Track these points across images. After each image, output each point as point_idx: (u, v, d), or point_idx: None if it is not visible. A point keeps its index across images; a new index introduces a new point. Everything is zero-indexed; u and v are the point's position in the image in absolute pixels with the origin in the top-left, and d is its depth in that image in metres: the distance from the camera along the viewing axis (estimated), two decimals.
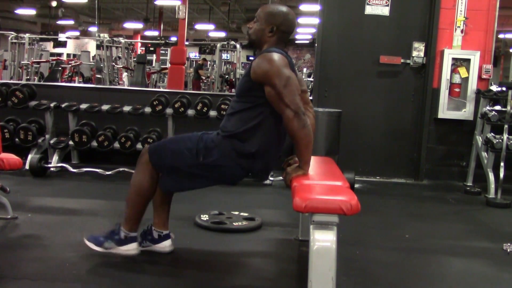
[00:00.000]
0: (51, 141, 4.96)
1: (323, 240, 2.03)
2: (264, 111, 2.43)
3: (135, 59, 11.94)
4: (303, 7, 14.51)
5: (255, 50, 2.60)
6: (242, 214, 3.54)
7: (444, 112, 5.11)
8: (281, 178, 2.64)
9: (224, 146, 2.45)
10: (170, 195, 2.72)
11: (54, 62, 12.18)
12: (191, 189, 2.64)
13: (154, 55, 17.02)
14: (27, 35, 11.52)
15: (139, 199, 2.57)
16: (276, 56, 2.39)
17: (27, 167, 4.58)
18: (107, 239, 2.62)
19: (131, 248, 2.61)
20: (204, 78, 12.64)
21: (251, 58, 19.67)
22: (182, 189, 2.66)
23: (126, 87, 9.95)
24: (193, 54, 20.19)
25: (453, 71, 5.10)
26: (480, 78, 5.08)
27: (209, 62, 14.40)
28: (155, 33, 19.07)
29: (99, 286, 2.38)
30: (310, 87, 11.95)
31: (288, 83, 2.33)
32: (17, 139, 4.82)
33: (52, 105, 4.99)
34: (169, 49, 11.45)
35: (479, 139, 4.89)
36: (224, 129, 2.49)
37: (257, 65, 2.39)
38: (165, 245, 2.74)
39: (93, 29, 19.91)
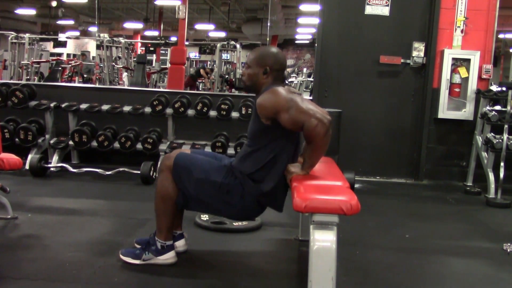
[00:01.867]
0: (51, 141, 4.96)
1: (323, 240, 2.03)
2: (276, 147, 2.47)
3: (135, 59, 11.93)
4: (303, 7, 14.51)
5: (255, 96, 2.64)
6: None
7: (444, 112, 5.11)
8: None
9: (247, 186, 2.49)
10: None
11: (54, 62, 12.17)
12: (202, 212, 2.69)
13: (154, 55, 17.02)
14: (27, 35, 11.50)
15: (167, 207, 2.57)
16: (278, 88, 2.44)
17: (27, 167, 4.59)
18: (145, 251, 2.61)
19: (170, 257, 2.62)
20: (206, 79, 12.60)
21: None
22: (193, 210, 2.69)
23: (126, 87, 9.95)
24: (193, 54, 20.19)
25: (453, 71, 5.10)
26: (480, 78, 5.08)
27: (209, 62, 14.39)
28: (155, 33, 19.06)
29: (99, 286, 2.38)
30: (310, 87, 11.95)
31: (302, 100, 2.38)
32: (17, 139, 4.83)
33: (52, 105, 5.00)
34: (169, 49, 11.44)
35: (479, 139, 4.89)
36: (240, 167, 2.52)
37: (263, 101, 2.42)
38: (180, 245, 2.76)
39: (93, 29, 19.91)
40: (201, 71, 12.54)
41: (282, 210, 2.62)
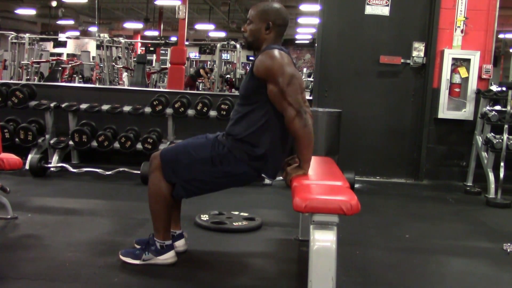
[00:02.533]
0: (51, 141, 4.96)
1: (323, 240, 2.03)
2: (269, 110, 2.43)
3: (135, 59, 11.94)
4: (303, 7, 14.51)
5: (255, 52, 2.60)
6: (242, 214, 3.54)
7: (444, 112, 5.11)
8: (281, 178, 2.63)
9: (236, 150, 2.46)
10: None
11: (54, 62, 12.18)
12: (206, 193, 2.65)
13: (154, 55, 17.03)
14: (27, 35, 11.51)
15: (160, 207, 2.55)
16: (278, 53, 2.40)
17: (27, 167, 4.58)
18: (145, 252, 2.60)
19: (170, 257, 2.60)
20: (206, 79, 12.60)
21: (251, 58, 19.68)
22: (197, 195, 2.65)
23: (126, 87, 9.95)
24: (193, 54, 20.19)
25: (453, 71, 5.10)
26: (480, 78, 5.08)
27: (209, 62, 14.39)
28: (155, 33, 19.07)
29: (99, 286, 2.38)
30: (310, 87, 11.96)
31: (291, 81, 2.34)
32: (17, 139, 4.82)
33: (52, 105, 5.00)
34: (169, 49, 11.45)
35: (479, 139, 4.89)
36: (232, 132, 2.49)
37: (260, 62, 2.39)
38: (179, 245, 2.75)
39: (93, 29, 19.91)
40: (201, 71, 12.54)
41: (275, 177, 2.58)
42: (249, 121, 2.45)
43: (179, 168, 2.50)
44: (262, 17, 2.50)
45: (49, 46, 17.26)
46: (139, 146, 4.89)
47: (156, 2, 16.47)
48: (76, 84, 10.33)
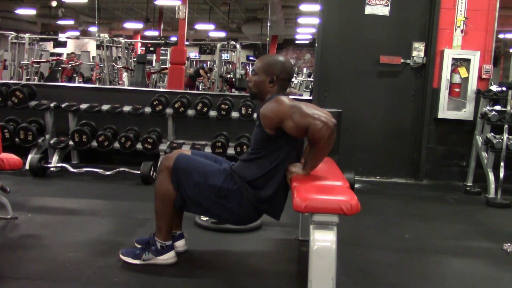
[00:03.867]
0: (51, 141, 4.96)
1: (323, 240, 2.03)
2: (280, 156, 2.48)
3: (135, 59, 11.93)
4: (303, 7, 14.51)
5: (258, 102, 2.66)
6: None
7: (444, 112, 5.11)
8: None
9: (245, 191, 2.49)
10: None
11: (54, 62, 12.17)
12: (200, 215, 2.69)
13: (154, 55, 17.01)
14: (27, 35, 11.51)
15: (166, 207, 2.56)
16: (282, 97, 2.45)
17: (27, 167, 4.59)
18: (145, 251, 2.61)
19: (170, 257, 2.62)
20: (205, 79, 12.61)
21: (251, 58, 19.70)
22: (191, 212, 2.71)
23: (126, 87, 9.95)
24: (193, 54, 20.19)
25: (453, 71, 5.10)
26: (480, 78, 5.08)
27: (209, 62, 14.40)
28: (155, 33, 19.05)
29: (99, 286, 2.38)
30: (310, 87, 11.96)
31: (306, 105, 2.37)
32: (17, 139, 4.83)
33: (52, 105, 5.00)
34: (169, 49, 11.44)
35: (479, 139, 4.89)
36: (242, 174, 2.52)
37: (267, 110, 2.43)
38: (179, 245, 2.76)
39: (93, 29, 19.90)
40: (201, 71, 12.55)
41: (279, 218, 2.62)
42: (258, 166, 2.50)
43: (187, 182, 2.52)
44: (267, 70, 2.55)
45: (49, 46, 17.25)
46: (139, 146, 4.89)
47: (156, 2, 16.46)
48: (76, 84, 10.33)
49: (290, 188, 2.54)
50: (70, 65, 11.88)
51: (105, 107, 5.07)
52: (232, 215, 2.56)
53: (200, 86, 12.89)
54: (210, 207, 2.55)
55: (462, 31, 5.09)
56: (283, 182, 2.51)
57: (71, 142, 4.91)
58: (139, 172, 4.49)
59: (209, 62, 14.35)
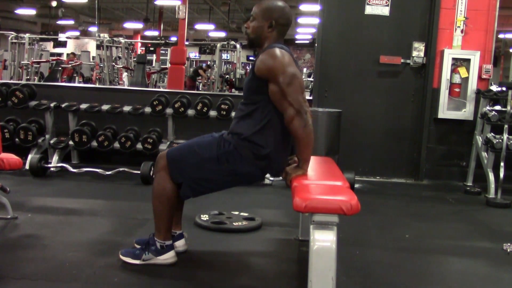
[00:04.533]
0: (51, 141, 4.96)
1: (323, 240, 2.03)
2: (272, 109, 2.44)
3: (135, 59, 11.94)
4: (303, 7, 14.52)
5: (256, 50, 2.60)
6: (242, 214, 3.54)
7: (444, 112, 5.11)
8: (281, 178, 2.63)
9: (241, 149, 2.46)
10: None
11: (54, 62, 12.18)
12: (212, 192, 2.65)
13: (154, 55, 17.03)
14: (27, 35, 11.52)
15: (164, 207, 2.55)
16: (280, 52, 2.39)
17: (27, 167, 4.58)
18: (145, 251, 2.60)
19: (170, 257, 2.60)
20: (205, 78, 12.63)
21: (251, 58, 19.69)
22: (204, 194, 2.65)
23: (126, 87, 9.95)
24: (193, 54, 20.20)
25: (453, 71, 5.10)
26: (480, 78, 5.08)
27: (209, 62, 14.41)
28: (155, 33, 19.07)
29: (99, 286, 2.38)
30: (310, 87, 11.96)
31: (292, 81, 2.34)
32: (17, 139, 4.82)
33: (52, 105, 5.00)
34: (169, 49, 11.45)
35: (479, 139, 4.89)
36: (236, 131, 2.49)
37: (261, 62, 2.39)
38: (179, 245, 2.75)
39: (93, 29, 19.91)
40: (199, 71, 12.57)
41: (278, 175, 2.58)
42: (252, 120, 2.46)
43: (186, 168, 2.50)
44: (265, 15, 2.50)
45: (49, 46, 17.26)
46: (139, 146, 4.89)
47: (156, 2, 16.48)
48: (76, 84, 10.33)
49: (288, 146, 2.54)
50: (70, 65, 11.89)
51: (105, 107, 5.07)
52: (239, 176, 2.52)
53: (200, 86, 12.90)
54: (216, 178, 2.51)
55: (462, 31, 5.09)
56: (280, 139, 2.47)
57: (71, 142, 4.91)
58: (139, 172, 4.49)
59: (209, 62, 14.36)
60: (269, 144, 2.45)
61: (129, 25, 21.29)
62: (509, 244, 3.17)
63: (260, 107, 2.45)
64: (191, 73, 13.02)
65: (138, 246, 2.70)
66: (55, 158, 4.92)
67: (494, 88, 4.90)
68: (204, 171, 2.49)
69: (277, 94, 2.35)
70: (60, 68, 11.26)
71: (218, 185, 2.60)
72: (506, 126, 4.49)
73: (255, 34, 2.52)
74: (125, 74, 11.97)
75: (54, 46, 17.45)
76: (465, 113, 5.09)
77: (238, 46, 10.99)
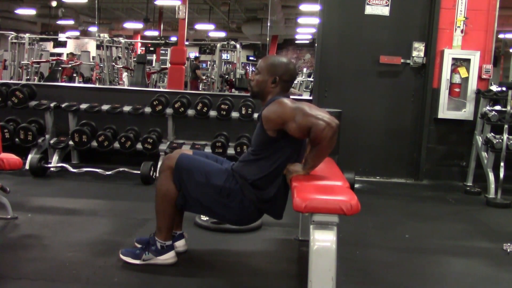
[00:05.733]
0: (51, 141, 4.96)
1: (323, 240, 2.03)
2: (281, 157, 2.47)
3: (135, 59, 11.93)
4: (303, 7, 14.50)
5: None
6: None
7: (444, 112, 5.11)
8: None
9: (247, 191, 2.50)
10: None
11: (54, 62, 12.17)
12: (202, 215, 2.68)
13: (154, 55, 17.01)
14: (27, 35, 11.50)
15: (166, 207, 2.56)
16: (284, 99, 2.45)
17: (27, 167, 4.59)
18: (145, 251, 2.61)
19: (170, 257, 2.61)
20: (203, 78, 12.64)
21: (251, 58, 19.70)
22: (194, 212, 2.71)
23: (126, 87, 9.95)
24: (193, 54, 20.18)
25: (453, 71, 5.10)
26: (480, 78, 5.08)
27: (209, 62, 14.42)
28: (155, 33, 19.05)
29: (99, 286, 2.38)
30: (310, 87, 11.96)
31: (308, 106, 2.37)
32: (17, 139, 4.83)
33: (52, 105, 5.00)
34: (169, 49, 11.44)
35: (479, 139, 4.89)
36: (242, 173, 2.52)
37: (269, 112, 2.43)
38: (179, 245, 2.76)
39: (93, 29, 19.90)
40: (197, 71, 12.57)
41: (281, 218, 2.62)
42: (259, 167, 2.50)
43: (189, 181, 2.52)
44: (270, 71, 2.54)
45: (49, 46, 17.25)
46: (139, 146, 4.89)
47: (156, 2, 16.46)
48: (76, 84, 10.33)
49: (290, 188, 2.55)
50: (70, 65, 11.88)
51: (105, 107, 5.07)
52: (234, 215, 2.56)
53: (200, 86, 12.90)
54: (212, 206, 2.55)
55: (462, 31, 5.09)
56: (284, 183, 2.51)
57: (71, 142, 4.91)
58: (139, 172, 4.49)
59: (209, 62, 14.36)
60: (272, 189, 2.49)
61: (129, 25, 21.27)
62: (509, 244, 3.18)
63: (268, 156, 2.49)
64: (191, 73, 13.02)
65: (138, 246, 2.71)
66: (55, 158, 4.92)
67: (494, 88, 4.90)
68: (203, 194, 2.53)
69: (300, 122, 2.32)
70: (60, 68, 11.24)
71: (209, 213, 2.68)
72: (506, 126, 4.49)
73: (258, 88, 2.58)
74: (125, 74, 11.96)
75: (54, 46, 17.42)
76: (465, 113, 5.10)
77: (238, 46, 10.97)
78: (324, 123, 2.26)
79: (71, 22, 19.65)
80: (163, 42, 13.76)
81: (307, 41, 22.02)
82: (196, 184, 2.51)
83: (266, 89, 2.56)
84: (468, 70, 5.06)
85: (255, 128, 2.59)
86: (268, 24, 13.38)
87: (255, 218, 2.64)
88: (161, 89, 9.42)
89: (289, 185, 2.41)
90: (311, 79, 11.66)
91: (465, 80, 5.08)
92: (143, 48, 16.78)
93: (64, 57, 15.71)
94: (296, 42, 23.28)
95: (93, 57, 16.03)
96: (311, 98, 5.73)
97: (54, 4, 15.99)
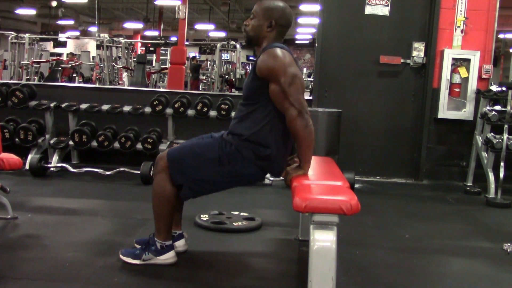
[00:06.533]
0: (51, 141, 4.96)
1: (323, 240, 2.03)
2: (273, 110, 2.43)
3: (135, 59, 11.94)
4: (303, 7, 14.52)
5: (254, 49, 2.60)
6: (242, 214, 3.54)
7: (444, 112, 5.11)
8: (281, 178, 2.63)
9: (243, 149, 2.46)
10: None
11: (54, 62, 12.18)
12: (213, 193, 2.65)
13: (154, 55, 17.02)
14: (27, 35, 11.52)
15: (164, 208, 2.55)
16: (281, 52, 2.39)
17: (27, 167, 4.58)
18: (145, 252, 2.60)
19: (170, 257, 2.60)
20: (203, 77, 12.64)
21: (251, 58, 19.69)
22: (204, 194, 2.64)
23: (126, 87, 9.95)
24: (193, 54, 20.18)
25: (453, 71, 5.09)
26: (480, 78, 5.08)
27: (209, 62, 14.41)
28: (155, 33, 19.07)
29: (99, 286, 2.38)
30: (310, 87, 11.97)
31: (294, 81, 2.34)
32: (17, 139, 4.82)
33: (52, 105, 5.00)
34: (169, 49, 11.45)
35: (479, 139, 4.89)
36: (236, 131, 2.49)
37: (262, 62, 2.39)
38: (179, 245, 2.75)
39: (93, 29, 19.91)
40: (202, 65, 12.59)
41: (279, 176, 2.58)
42: (252, 120, 2.46)
43: (187, 169, 2.50)
44: (265, 14, 2.49)
45: (49, 46, 17.26)
46: (139, 146, 4.89)
47: (156, 2, 16.48)
48: (76, 84, 10.33)
49: (288, 146, 2.54)
50: (70, 65, 11.89)
51: (105, 107, 5.07)
52: (240, 177, 2.52)
53: (200, 86, 12.91)
54: (218, 179, 2.51)
55: (462, 31, 5.09)
56: (281, 139, 2.47)
57: (71, 142, 4.91)
58: (139, 172, 4.49)
59: (209, 62, 14.37)
60: (270, 144, 2.45)
61: (129, 25, 21.29)
62: (509, 244, 3.18)
63: (261, 107, 2.45)
64: (192, 72, 13.01)
65: (138, 246, 2.70)
66: (55, 158, 4.92)
67: (494, 88, 4.90)
68: (205, 172, 2.49)
69: (278, 94, 2.35)
70: (60, 68, 11.26)
71: (219, 186, 2.59)
72: (506, 126, 4.49)
73: (253, 33, 2.52)
74: (125, 74, 11.97)
75: (54, 46, 17.44)
76: (465, 113, 5.09)
77: (238, 46, 10.99)
78: (295, 111, 2.28)
79: (71, 22, 19.67)
80: (163, 42, 13.76)
81: (307, 41, 22.04)
82: (194, 167, 2.48)
83: (261, 33, 2.50)
84: (468, 70, 5.06)
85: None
86: None
87: (261, 176, 2.58)
88: (161, 89, 9.42)
89: (289, 186, 2.41)
90: (311, 79, 11.66)
91: (465, 80, 5.08)
92: (143, 48, 16.79)
93: (64, 57, 15.72)
94: (296, 42, 23.30)
95: (93, 57, 16.06)
96: (311, 98, 5.73)
97: (54, 4, 16.01)
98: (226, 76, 10.89)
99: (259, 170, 2.51)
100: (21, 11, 18.10)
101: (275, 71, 2.34)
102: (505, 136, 4.47)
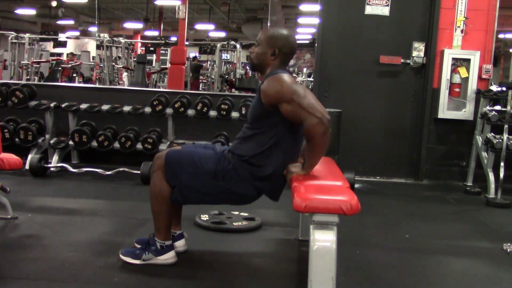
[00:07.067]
0: (51, 141, 4.96)
1: (323, 240, 2.03)
2: (278, 133, 2.45)
3: (135, 59, 11.93)
4: (303, 7, 14.51)
5: (259, 74, 2.62)
6: (242, 214, 3.54)
7: (444, 112, 5.11)
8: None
9: (240, 169, 2.47)
10: None
11: (54, 62, 12.17)
12: (202, 204, 2.65)
13: (154, 55, 17.01)
14: (27, 35, 11.50)
15: (162, 207, 2.55)
16: (284, 75, 2.42)
17: (27, 167, 4.59)
18: (145, 252, 2.60)
19: (170, 257, 2.60)
20: (203, 77, 12.64)
21: None
22: (194, 203, 2.66)
23: (126, 87, 9.95)
24: (193, 54, 20.18)
25: (453, 71, 5.10)
26: (480, 78, 5.08)
27: (209, 62, 14.41)
28: (155, 33, 19.07)
29: (99, 286, 2.38)
30: (310, 87, 11.96)
31: (305, 94, 2.35)
32: (17, 139, 4.82)
33: (52, 105, 5.00)
34: (169, 49, 11.44)
35: (479, 139, 4.89)
36: (237, 151, 2.50)
37: (268, 87, 2.41)
38: (179, 245, 2.75)
39: (93, 29, 19.91)
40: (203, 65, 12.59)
41: (277, 200, 2.59)
42: (256, 142, 2.47)
43: (181, 174, 2.50)
44: (269, 43, 2.52)
45: (49, 46, 17.25)
46: (139, 146, 4.89)
47: (156, 2, 16.47)
48: (76, 84, 10.32)
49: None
50: (70, 65, 11.88)
51: (105, 107, 5.07)
52: (232, 195, 2.53)
53: (201, 86, 12.90)
54: (209, 192, 2.52)
55: (462, 31, 5.09)
56: (282, 164, 2.48)
57: (71, 142, 4.91)
58: (139, 172, 4.49)
59: (209, 62, 14.38)
60: (270, 166, 2.45)
61: (129, 25, 21.28)
62: (509, 244, 3.18)
63: (266, 130, 2.46)
64: (192, 72, 13.00)
65: (138, 246, 2.71)
66: (55, 158, 4.92)
67: (494, 88, 4.90)
68: (198, 182, 2.50)
69: (294, 110, 2.33)
70: (60, 68, 11.24)
71: (209, 198, 2.60)
72: (506, 126, 4.49)
73: (257, 60, 2.55)
74: (125, 74, 11.96)
75: (54, 46, 17.42)
76: (465, 113, 5.10)
77: (238, 46, 10.97)
78: (316, 118, 2.26)
79: (71, 22, 19.67)
80: (163, 42, 13.75)
81: (307, 41, 22.02)
82: (189, 174, 2.49)
83: (265, 61, 2.52)
84: (468, 70, 5.06)
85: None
86: (268, 24, 13.37)
87: (254, 196, 2.58)
88: (161, 89, 9.41)
89: (289, 185, 2.41)
90: (311, 79, 11.66)
91: (465, 80, 5.08)
92: (143, 48, 16.77)
93: (64, 57, 15.71)
94: (296, 42, 23.27)
95: (93, 57, 16.04)
96: None
97: (54, 4, 16.00)
98: (226, 76, 10.88)
99: (254, 191, 2.53)
100: (21, 11, 18.09)
101: (283, 92, 2.36)
102: (505, 136, 4.47)
